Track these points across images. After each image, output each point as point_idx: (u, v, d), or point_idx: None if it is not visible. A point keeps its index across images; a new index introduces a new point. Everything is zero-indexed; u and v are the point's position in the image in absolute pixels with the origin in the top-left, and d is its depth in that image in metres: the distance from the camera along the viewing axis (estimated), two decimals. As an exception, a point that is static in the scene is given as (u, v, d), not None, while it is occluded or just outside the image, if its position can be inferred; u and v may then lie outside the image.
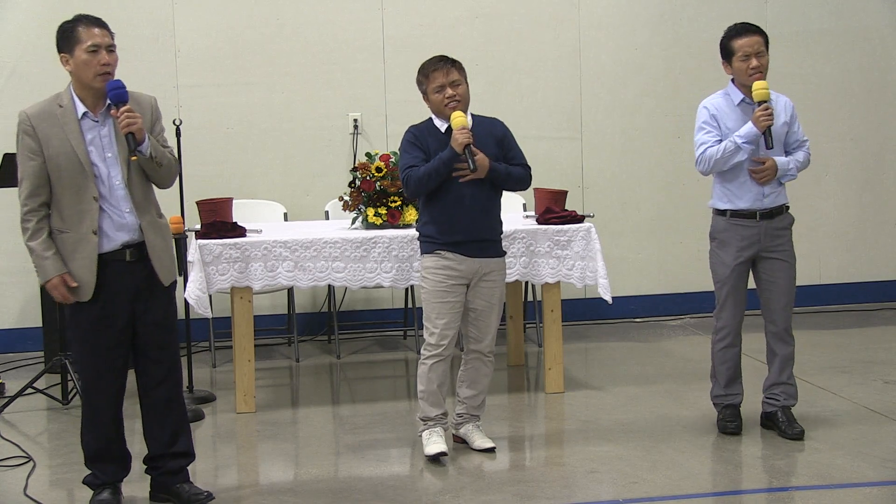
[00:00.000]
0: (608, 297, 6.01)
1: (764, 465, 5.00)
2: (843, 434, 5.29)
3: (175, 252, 4.58)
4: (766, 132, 5.08)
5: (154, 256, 4.38)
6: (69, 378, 6.03)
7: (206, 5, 7.54)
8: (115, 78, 4.29)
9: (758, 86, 5.08)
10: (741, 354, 5.36)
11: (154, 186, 4.47)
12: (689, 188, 7.99)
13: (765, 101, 5.08)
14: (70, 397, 6.08)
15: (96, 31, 4.29)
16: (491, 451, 5.14)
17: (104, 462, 4.48)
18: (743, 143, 5.11)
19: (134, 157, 4.26)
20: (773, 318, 5.28)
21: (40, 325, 6.85)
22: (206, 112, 7.54)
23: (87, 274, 4.29)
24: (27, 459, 5.16)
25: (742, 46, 5.14)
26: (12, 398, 6.00)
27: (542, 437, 5.60)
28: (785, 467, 4.92)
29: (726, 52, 5.21)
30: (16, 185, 6.15)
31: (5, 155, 6.00)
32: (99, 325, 4.34)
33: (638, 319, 8.10)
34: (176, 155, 4.50)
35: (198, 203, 6.10)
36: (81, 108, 4.30)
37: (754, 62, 5.12)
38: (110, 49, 4.31)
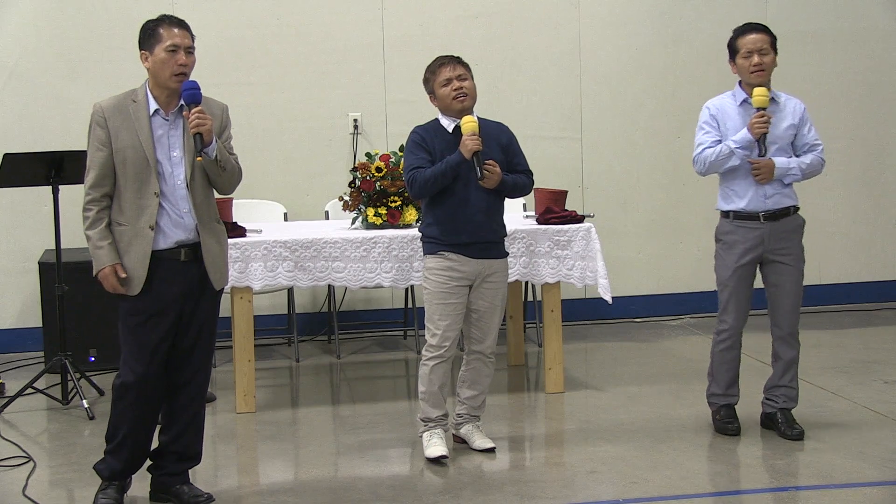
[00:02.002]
0: (608, 297, 6.01)
1: (764, 465, 5.00)
2: (843, 434, 5.29)
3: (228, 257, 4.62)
4: (761, 140, 5.05)
5: (208, 259, 4.42)
6: (69, 378, 6.03)
7: (206, 5, 7.53)
8: (191, 79, 4.35)
9: (757, 92, 5.07)
10: (741, 356, 5.36)
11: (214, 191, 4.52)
12: (689, 188, 7.99)
13: (762, 108, 5.06)
14: (70, 397, 6.07)
15: (177, 31, 4.34)
16: (491, 451, 5.14)
17: (122, 456, 4.46)
18: (736, 147, 5.11)
19: (199, 158, 4.30)
20: (778, 322, 5.26)
21: (40, 325, 6.84)
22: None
23: (139, 268, 4.33)
24: (27, 459, 5.15)
25: (745, 44, 5.14)
26: (12, 398, 6.00)
27: (542, 437, 5.60)
28: (785, 467, 4.92)
29: (732, 51, 5.20)
30: (16, 185, 6.25)
31: (5, 155, 6.00)
32: (148, 321, 4.37)
33: (638, 319, 8.10)
34: (240, 164, 4.53)
35: (198, 203, 6.10)
36: (154, 106, 4.36)
37: (756, 59, 5.10)
38: (189, 51, 4.37)
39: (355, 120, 7.71)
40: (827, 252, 8.35)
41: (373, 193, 6.06)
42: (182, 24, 4.38)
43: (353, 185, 6.15)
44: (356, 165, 6.25)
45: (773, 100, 5.16)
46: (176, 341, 4.45)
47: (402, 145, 5.31)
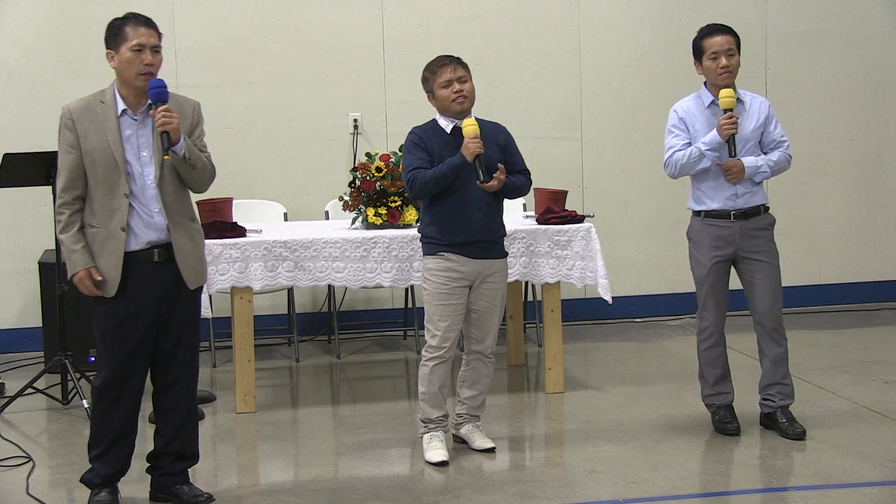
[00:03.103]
0: (608, 297, 6.01)
1: (764, 465, 5.00)
2: (843, 434, 5.29)
3: (204, 256, 4.59)
4: (730, 140, 5.08)
5: (181, 259, 4.39)
6: (69, 378, 6.03)
7: (206, 5, 7.54)
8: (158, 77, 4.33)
9: (724, 94, 5.09)
10: (727, 353, 5.38)
11: (189, 191, 4.50)
12: (688, 188, 7.96)
13: (730, 110, 5.08)
14: (70, 397, 6.07)
15: (143, 30, 4.32)
16: (491, 451, 5.14)
17: (110, 460, 4.46)
18: (707, 150, 5.14)
19: (166, 157, 4.28)
20: (759, 320, 5.29)
21: (40, 325, 6.85)
22: (205, 112, 7.45)
23: (112, 270, 4.32)
24: (27, 459, 5.16)
25: (712, 46, 5.16)
26: (12, 398, 5.99)
27: (542, 437, 5.60)
28: (785, 467, 4.92)
29: (697, 52, 5.24)
30: (16, 185, 6.25)
31: (5, 155, 6.00)
32: (124, 323, 4.36)
33: (638, 319, 8.10)
34: (213, 161, 4.51)
35: (198, 203, 6.06)
36: (121, 106, 4.34)
37: (723, 61, 5.12)
38: (155, 49, 4.34)
39: (355, 120, 7.71)
40: (827, 252, 8.35)
41: (373, 193, 6.06)
42: (149, 23, 4.35)
43: (353, 185, 6.15)
44: (356, 165, 6.25)
45: (738, 100, 5.19)
46: (158, 342, 4.43)
47: (401, 145, 5.32)
